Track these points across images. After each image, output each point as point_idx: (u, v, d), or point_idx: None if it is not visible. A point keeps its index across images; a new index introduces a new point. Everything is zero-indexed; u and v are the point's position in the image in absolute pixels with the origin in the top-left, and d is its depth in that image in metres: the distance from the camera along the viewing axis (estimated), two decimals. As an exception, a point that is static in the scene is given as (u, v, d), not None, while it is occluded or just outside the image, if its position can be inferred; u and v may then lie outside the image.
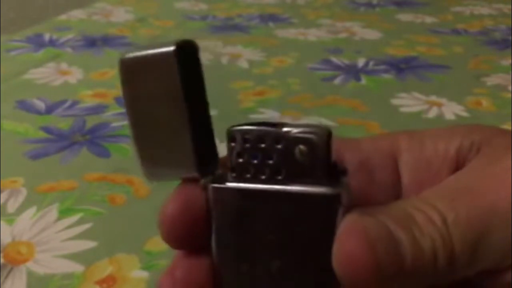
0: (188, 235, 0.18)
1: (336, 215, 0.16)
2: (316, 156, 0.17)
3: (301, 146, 0.17)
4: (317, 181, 0.17)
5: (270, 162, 0.17)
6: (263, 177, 0.17)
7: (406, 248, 0.15)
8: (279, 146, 0.17)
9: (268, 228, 0.17)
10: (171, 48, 0.17)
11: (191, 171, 0.18)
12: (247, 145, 0.17)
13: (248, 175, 0.17)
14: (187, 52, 0.18)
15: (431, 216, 0.16)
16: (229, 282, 0.18)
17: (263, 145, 0.17)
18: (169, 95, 0.17)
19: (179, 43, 0.17)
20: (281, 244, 0.17)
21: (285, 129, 0.17)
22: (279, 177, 0.17)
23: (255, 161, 0.17)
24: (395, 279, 0.15)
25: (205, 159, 0.18)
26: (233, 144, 0.17)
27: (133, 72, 0.18)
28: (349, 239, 0.15)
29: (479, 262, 0.16)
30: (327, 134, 0.17)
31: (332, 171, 0.17)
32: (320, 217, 0.17)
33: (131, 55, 0.18)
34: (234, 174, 0.17)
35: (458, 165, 0.19)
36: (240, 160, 0.17)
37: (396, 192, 0.20)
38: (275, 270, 0.18)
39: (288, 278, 0.17)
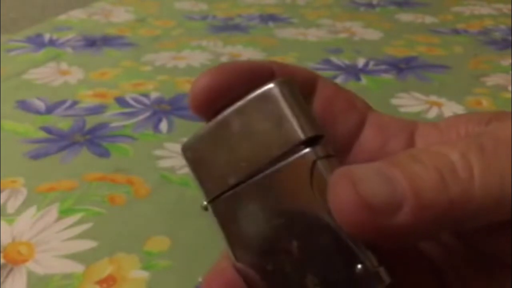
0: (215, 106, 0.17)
1: (318, 170, 0.15)
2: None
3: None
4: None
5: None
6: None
7: (401, 182, 0.14)
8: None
9: (268, 215, 0.17)
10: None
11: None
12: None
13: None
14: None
15: (441, 150, 0.15)
16: (257, 279, 0.18)
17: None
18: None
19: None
20: (287, 223, 0.17)
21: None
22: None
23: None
24: (399, 216, 0.14)
25: None
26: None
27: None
28: (336, 186, 0.14)
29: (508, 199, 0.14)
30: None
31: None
32: (306, 181, 0.16)
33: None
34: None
35: (467, 134, 0.19)
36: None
37: None
38: (296, 250, 0.17)
39: (310, 252, 0.16)
